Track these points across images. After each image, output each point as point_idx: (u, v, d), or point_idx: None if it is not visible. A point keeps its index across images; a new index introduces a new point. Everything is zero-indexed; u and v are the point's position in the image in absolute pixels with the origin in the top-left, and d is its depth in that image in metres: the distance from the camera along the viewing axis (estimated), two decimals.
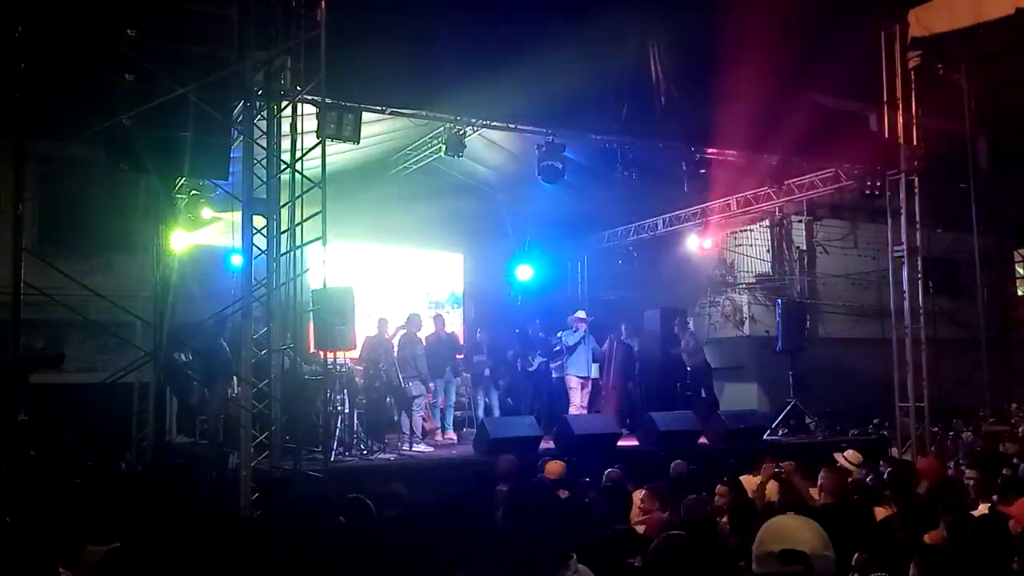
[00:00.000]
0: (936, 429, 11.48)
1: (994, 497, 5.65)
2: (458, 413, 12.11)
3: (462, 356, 12.26)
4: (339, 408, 9.43)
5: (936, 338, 11.40)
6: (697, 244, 14.51)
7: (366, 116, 9.00)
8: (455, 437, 11.47)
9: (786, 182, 11.98)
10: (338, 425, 9.33)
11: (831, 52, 10.43)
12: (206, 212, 10.25)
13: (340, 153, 10.31)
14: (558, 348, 12.45)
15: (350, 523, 4.96)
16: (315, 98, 8.06)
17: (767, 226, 15.63)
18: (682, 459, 8.11)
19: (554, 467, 7.10)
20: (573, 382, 12.10)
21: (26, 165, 8.30)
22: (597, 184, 12.20)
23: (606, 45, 9.51)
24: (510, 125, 10.11)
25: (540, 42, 8.70)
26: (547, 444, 10.00)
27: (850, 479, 6.81)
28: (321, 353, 9.04)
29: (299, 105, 8.33)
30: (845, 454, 7.72)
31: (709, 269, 15.87)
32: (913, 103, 11.08)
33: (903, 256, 11.08)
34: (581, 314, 12.44)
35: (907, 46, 10.99)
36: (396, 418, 10.64)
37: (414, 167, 12.66)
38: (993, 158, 16.06)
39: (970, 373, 13.36)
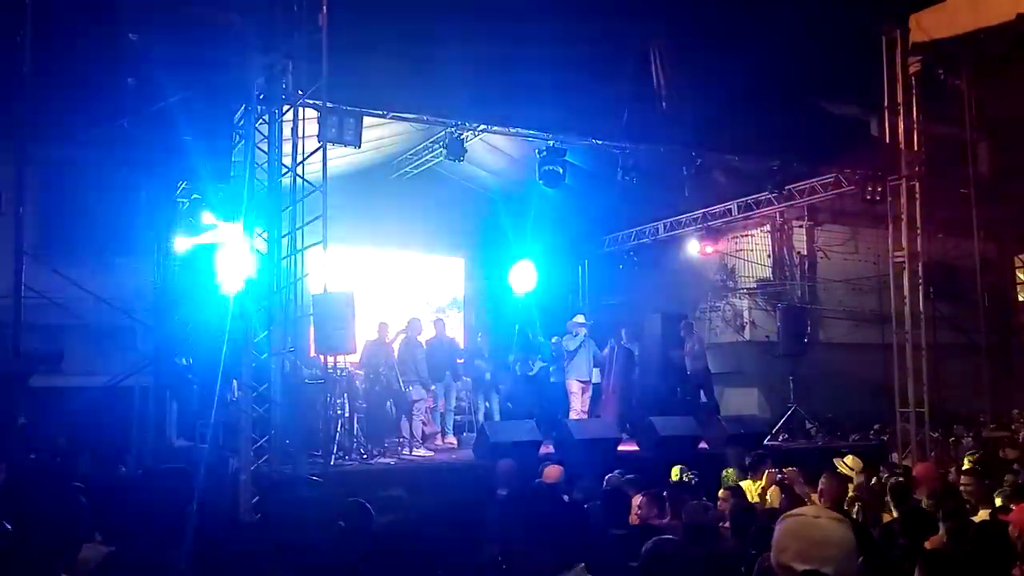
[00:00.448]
0: (936, 434, 11.44)
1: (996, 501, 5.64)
2: (458, 417, 12.10)
3: (462, 360, 12.27)
4: (339, 412, 9.43)
5: (936, 343, 11.36)
6: (698, 249, 14.50)
7: (367, 120, 9.01)
8: (455, 441, 11.47)
9: (787, 187, 11.98)
10: (338, 429, 9.32)
11: (832, 57, 10.45)
12: (207, 216, 10.25)
13: (341, 157, 10.32)
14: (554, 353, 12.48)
15: (349, 527, 4.95)
16: (316, 102, 8.09)
17: (768, 231, 15.62)
18: (681, 463, 8.10)
19: (552, 472, 7.13)
20: (574, 386, 12.10)
21: (27, 168, 8.31)
22: (598, 189, 12.21)
23: (607, 50, 9.53)
24: (511, 129, 10.13)
25: (541, 47, 8.72)
26: (547, 449, 10.00)
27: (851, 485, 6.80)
28: (321, 357, 9.05)
29: (300, 109, 8.34)
30: (845, 460, 7.71)
31: (710, 274, 15.83)
32: (914, 108, 11.08)
33: (904, 261, 11.07)
34: (580, 319, 12.45)
35: (908, 51, 10.98)
36: (396, 422, 10.64)
37: (415, 171, 12.68)
38: (994, 163, 16.03)
39: (971, 378, 13.33)
